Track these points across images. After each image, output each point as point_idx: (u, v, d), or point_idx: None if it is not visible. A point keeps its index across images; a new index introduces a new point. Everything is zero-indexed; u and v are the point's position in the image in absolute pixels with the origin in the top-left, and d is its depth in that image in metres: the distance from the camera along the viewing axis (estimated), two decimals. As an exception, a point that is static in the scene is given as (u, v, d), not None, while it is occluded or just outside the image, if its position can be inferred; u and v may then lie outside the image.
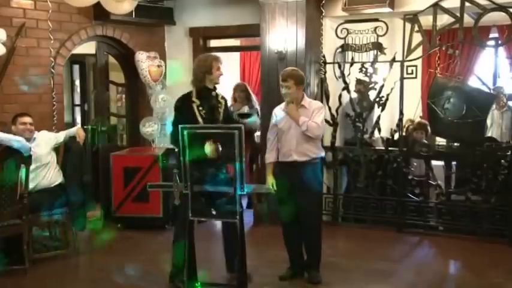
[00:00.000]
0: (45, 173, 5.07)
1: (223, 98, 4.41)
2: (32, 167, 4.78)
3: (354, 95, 6.21)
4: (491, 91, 5.68)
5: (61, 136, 5.29)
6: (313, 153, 4.40)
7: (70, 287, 4.44)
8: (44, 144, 5.12)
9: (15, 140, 4.65)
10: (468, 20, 5.65)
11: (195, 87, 4.26)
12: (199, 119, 4.17)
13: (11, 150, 4.61)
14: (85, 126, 7.41)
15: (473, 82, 6.35)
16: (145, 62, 6.57)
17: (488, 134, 6.45)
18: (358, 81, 6.17)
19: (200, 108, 4.19)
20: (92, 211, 6.21)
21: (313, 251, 4.51)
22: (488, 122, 6.11)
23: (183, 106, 4.24)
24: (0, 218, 4.55)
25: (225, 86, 7.88)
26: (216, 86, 4.35)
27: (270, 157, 4.50)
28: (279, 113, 4.50)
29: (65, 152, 5.27)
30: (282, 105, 4.53)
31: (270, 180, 4.42)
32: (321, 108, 4.50)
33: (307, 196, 4.38)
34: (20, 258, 4.64)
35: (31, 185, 4.79)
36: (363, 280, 4.54)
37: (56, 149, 5.26)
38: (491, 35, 8.02)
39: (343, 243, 5.68)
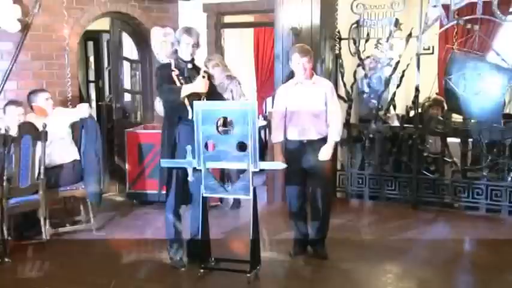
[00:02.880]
0: (61, 149, 5.12)
1: (203, 72, 4.23)
2: (48, 142, 4.82)
3: (370, 71, 6.15)
4: (510, 67, 5.56)
5: (76, 112, 5.32)
6: (326, 132, 4.38)
7: (87, 262, 4.51)
8: (60, 120, 5.15)
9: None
10: (487, -6, 5.53)
11: (173, 59, 4.27)
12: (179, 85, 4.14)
13: (28, 125, 4.66)
14: (100, 103, 7.48)
15: (491, 58, 6.22)
16: (159, 38, 6.52)
17: (506, 111, 6.35)
18: (373, 57, 6.11)
19: (180, 77, 4.17)
20: (107, 187, 6.27)
21: (322, 227, 4.50)
22: (507, 98, 6.01)
23: (164, 71, 4.22)
24: (18, 193, 4.62)
25: (239, 63, 7.90)
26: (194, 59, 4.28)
27: (278, 136, 4.45)
28: (288, 91, 4.46)
29: (81, 129, 5.31)
30: (289, 83, 4.49)
31: (280, 158, 4.40)
32: (333, 89, 4.52)
33: (319, 173, 4.37)
34: (37, 233, 4.72)
35: (47, 161, 4.84)
36: (377, 257, 4.54)
37: (72, 126, 5.30)
38: (511, 9, 7.83)
39: (357, 220, 5.67)
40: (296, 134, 4.40)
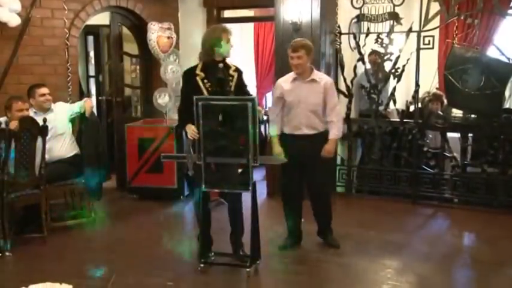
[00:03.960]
0: (62, 143, 5.12)
1: (236, 70, 4.20)
2: (48, 137, 4.82)
3: (369, 66, 6.15)
4: (510, 61, 5.56)
5: (76, 107, 5.32)
6: (322, 127, 4.40)
7: (87, 256, 4.52)
8: (60, 115, 5.16)
9: None
10: (488, -12, 5.52)
11: (202, 60, 4.12)
12: (204, 92, 4.03)
13: (28, 120, 4.67)
14: (100, 97, 7.47)
15: (492, 52, 6.22)
16: (155, 33, 6.51)
17: (506, 106, 6.36)
18: (372, 52, 6.10)
19: (205, 81, 4.05)
20: (107, 181, 6.28)
21: (325, 219, 4.59)
22: (507, 93, 6.01)
23: (187, 79, 4.14)
24: (19, 187, 4.63)
25: (239, 58, 7.88)
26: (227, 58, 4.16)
27: (275, 129, 4.46)
28: (286, 86, 4.45)
29: (81, 123, 5.31)
30: (287, 77, 4.47)
31: (278, 151, 4.39)
32: (333, 85, 4.52)
33: (318, 167, 4.40)
34: (38, 227, 4.73)
35: (47, 156, 4.85)
36: (377, 251, 4.55)
37: (72, 120, 5.31)
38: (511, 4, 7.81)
39: (357, 214, 5.69)
40: (292, 129, 4.41)
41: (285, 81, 4.48)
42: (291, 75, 4.45)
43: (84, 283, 3.79)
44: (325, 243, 4.61)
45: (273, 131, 4.50)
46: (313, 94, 4.35)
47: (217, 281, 3.99)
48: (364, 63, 6.06)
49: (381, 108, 6.11)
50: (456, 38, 6.40)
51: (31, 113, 4.96)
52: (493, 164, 5.65)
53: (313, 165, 4.39)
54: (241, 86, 4.22)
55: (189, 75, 4.14)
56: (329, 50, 5.99)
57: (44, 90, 5.11)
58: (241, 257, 4.16)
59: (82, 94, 7.20)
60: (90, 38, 8.22)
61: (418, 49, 5.72)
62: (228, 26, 4.30)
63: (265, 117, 7.49)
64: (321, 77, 4.46)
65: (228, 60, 4.19)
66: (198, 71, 4.09)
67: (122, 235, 5.06)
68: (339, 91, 6.17)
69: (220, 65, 4.06)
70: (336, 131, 4.39)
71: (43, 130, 4.71)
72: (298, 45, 4.34)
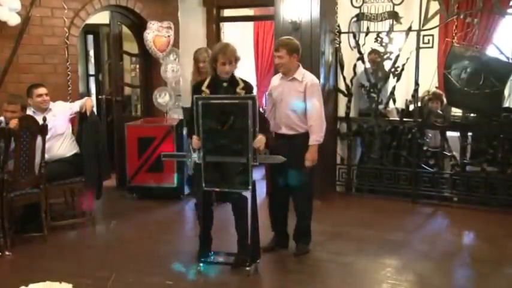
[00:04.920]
0: (61, 143, 5.12)
1: (245, 88, 3.97)
2: (48, 137, 4.83)
3: (369, 65, 6.16)
4: (510, 60, 5.56)
5: (76, 106, 5.32)
6: (301, 128, 4.24)
7: (87, 254, 4.52)
8: (60, 115, 5.16)
9: None
10: (487, -12, 5.53)
11: (209, 75, 4.05)
12: None
13: (28, 119, 4.67)
14: (100, 96, 7.47)
15: (491, 51, 6.22)
16: (150, 33, 6.51)
17: (506, 105, 6.36)
18: (372, 51, 6.10)
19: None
20: (107, 181, 6.28)
21: (302, 223, 4.42)
22: (506, 92, 6.01)
23: (195, 92, 4.02)
24: (19, 186, 4.63)
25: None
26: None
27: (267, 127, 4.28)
28: (275, 82, 4.41)
29: (81, 122, 5.31)
30: (280, 74, 4.40)
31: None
32: (315, 86, 4.25)
33: (296, 168, 4.22)
34: (38, 227, 4.74)
35: (47, 156, 4.85)
36: (376, 250, 4.56)
37: (72, 120, 5.30)
38: (511, 3, 7.80)
39: (356, 213, 5.69)
40: (274, 127, 4.33)
41: (276, 78, 4.45)
42: (280, 74, 4.40)
43: (84, 282, 3.79)
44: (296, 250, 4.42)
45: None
46: (293, 93, 4.23)
47: (216, 281, 3.99)
48: (363, 62, 6.06)
49: (381, 107, 6.11)
50: (456, 37, 6.39)
51: (30, 112, 4.95)
52: (493, 163, 5.65)
53: (291, 167, 4.20)
54: None
55: (196, 90, 4.02)
56: (329, 49, 5.99)
57: (42, 90, 5.08)
58: (242, 257, 4.11)
59: (82, 94, 7.22)
60: (90, 37, 8.22)
61: (418, 48, 5.72)
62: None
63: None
64: (305, 77, 4.26)
65: (238, 75, 4.05)
66: (204, 88, 3.96)
67: (122, 234, 5.06)
68: (339, 90, 6.18)
69: (225, 84, 3.95)
70: (315, 136, 4.18)
71: (43, 129, 4.71)
72: (279, 44, 4.25)
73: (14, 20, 5.31)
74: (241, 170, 3.91)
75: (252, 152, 3.83)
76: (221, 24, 7.30)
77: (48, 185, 4.83)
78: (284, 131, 4.28)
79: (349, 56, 6.13)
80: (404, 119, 6.01)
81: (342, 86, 6.14)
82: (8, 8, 5.22)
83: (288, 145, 4.24)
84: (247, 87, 4.02)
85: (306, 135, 4.22)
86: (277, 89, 4.34)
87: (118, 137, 6.55)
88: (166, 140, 6.00)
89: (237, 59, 3.97)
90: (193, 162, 3.98)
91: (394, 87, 6.02)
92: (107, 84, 7.44)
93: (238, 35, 8.29)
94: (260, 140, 3.84)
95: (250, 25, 8.77)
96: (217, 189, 4.05)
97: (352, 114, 6.26)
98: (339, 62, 6.11)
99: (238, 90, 3.95)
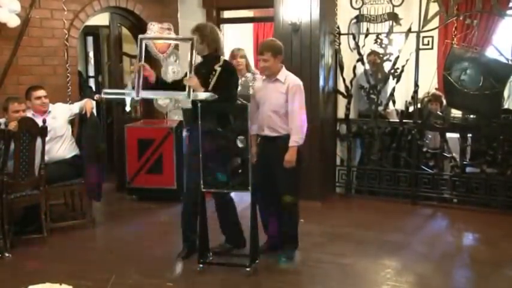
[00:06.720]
0: (61, 144, 5.12)
1: (222, 66, 4.12)
2: (48, 138, 4.83)
3: (368, 66, 6.16)
4: (510, 62, 5.57)
5: (76, 108, 5.32)
6: (283, 130, 4.19)
7: (87, 256, 4.52)
8: (59, 117, 5.16)
9: None
10: (487, -11, 5.53)
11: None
12: None
13: (28, 121, 4.67)
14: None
15: (491, 53, 6.23)
16: (151, 34, 6.50)
17: (505, 106, 6.37)
18: (372, 52, 6.10)
19: (199, 74, 4.08)
20: (107, 182, 6.28)
21: (286, 228, 4.33)
22: (506, 93, 6.02)
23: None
24: (19, 188, 4.63)
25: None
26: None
27: (253, 129, 4.21)
28: (258, 83, 4.40)
29: (80, 124, 5.31)
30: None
31: (254, 151, 4.19)
32: (297, 89, 4.17)
33: (280, 173, 4.18)
34: (38, 228, 4.74)
35: (47, 157, 4.85)
36: (376, 251, 4.56)
37: (71, 121, 5.31)
38: (511, 4, 7.81)
39: (356, 215, 5.69)
40: (257, 129, 4.28)
41: (260, 79, 4.44)
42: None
43: (84, 284, 3.79)
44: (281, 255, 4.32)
45: (251, 130, 4.15)
46: (275, 94, 4.19)
47: (216, 281, 3.99)
48: (363, 63, 6.06)
49: (380, 108, 6.11)
50: (455, 39, 6.40)
51: (29, 114, 4.95)
52: (492, 164, 5.65)
53: (275, 170, 4.18)
54: (221, 83, 4.09)
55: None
56: (328, 50, 5.99)
57: (40, 93, 5.07)
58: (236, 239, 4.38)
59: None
60: (90, 39, 8.25)
61: (418, 49, 5.72)
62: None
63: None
64: (288, 78, 4.20)
65: (224, 56, 4.30)
66: (197, 64, 4.25)
67: (122, 236, 5.06)
68: (338, 92, 6.19)
69: (200, 59, 4.26)
70: (295, 137, 4.12)
71: (42, 131, 4.71)
72: (264, 47, 4.19)
73: (14, 21, 5.30)
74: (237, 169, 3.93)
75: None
76: (221, 25, 7.30)
77: (48, 186, 4.83)
78: (267, 132, 4.23)
79: (348, 57, 6.14)
80: (404, 121, 6.01)
81: (341, 87, 6.14)
82: (7, 10, 5.22)
83: (271, 147, 4.21)
84: (225, 66, 4.16)
85: (288, 137, 4.17)
86: (260, 90, 4.32)
87: (118, 138, 6.55)
88: (166, 141, 6.00)
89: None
90: (131, 99, 4.09)
91: (393, 89, 6.02)
92: (107, 86, 7.43)
93: (238, 36, 8.31)
94: (192, 79, 3.98)
95: (249, 26, 8.79)
96: (215, 191, 4.08)
97: (351, 115, 6.27)
98: (338, 64, 6.11)
99: (215, 67, 4.12)
